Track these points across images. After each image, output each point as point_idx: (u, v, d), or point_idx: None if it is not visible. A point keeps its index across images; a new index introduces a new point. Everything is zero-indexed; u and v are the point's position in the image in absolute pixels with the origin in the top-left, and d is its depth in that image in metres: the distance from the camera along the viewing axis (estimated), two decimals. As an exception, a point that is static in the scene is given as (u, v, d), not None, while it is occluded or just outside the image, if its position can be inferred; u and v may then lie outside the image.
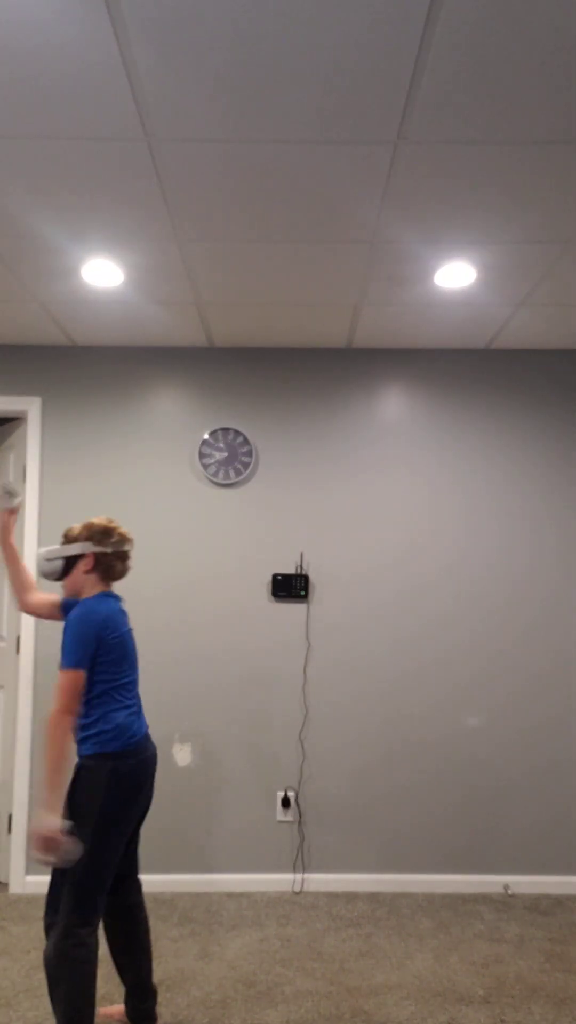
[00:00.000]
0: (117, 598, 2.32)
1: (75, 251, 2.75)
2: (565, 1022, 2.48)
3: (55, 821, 2.00)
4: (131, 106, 1.97)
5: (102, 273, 2.92)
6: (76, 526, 2.32)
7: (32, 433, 3.68)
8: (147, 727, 2.31)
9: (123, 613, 2.31)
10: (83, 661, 2.10)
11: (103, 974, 2.74)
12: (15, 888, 3.49)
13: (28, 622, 3.61)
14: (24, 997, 2.60)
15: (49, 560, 2.29)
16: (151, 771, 2.24)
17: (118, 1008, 2.45)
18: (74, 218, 2.52)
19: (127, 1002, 2.33)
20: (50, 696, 3.57)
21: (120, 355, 3.75)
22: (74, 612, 2.16)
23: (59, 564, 2.29)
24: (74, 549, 2.27)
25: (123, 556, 2.33)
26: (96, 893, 2.09)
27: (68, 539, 2.31)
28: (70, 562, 2.29)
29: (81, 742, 2.16)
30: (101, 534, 2.29)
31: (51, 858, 2.02)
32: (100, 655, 2.15)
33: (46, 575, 2.31)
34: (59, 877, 2.10)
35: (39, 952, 2.92)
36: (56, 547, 2.30)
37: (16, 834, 3.51)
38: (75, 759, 2.17)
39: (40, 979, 2.72)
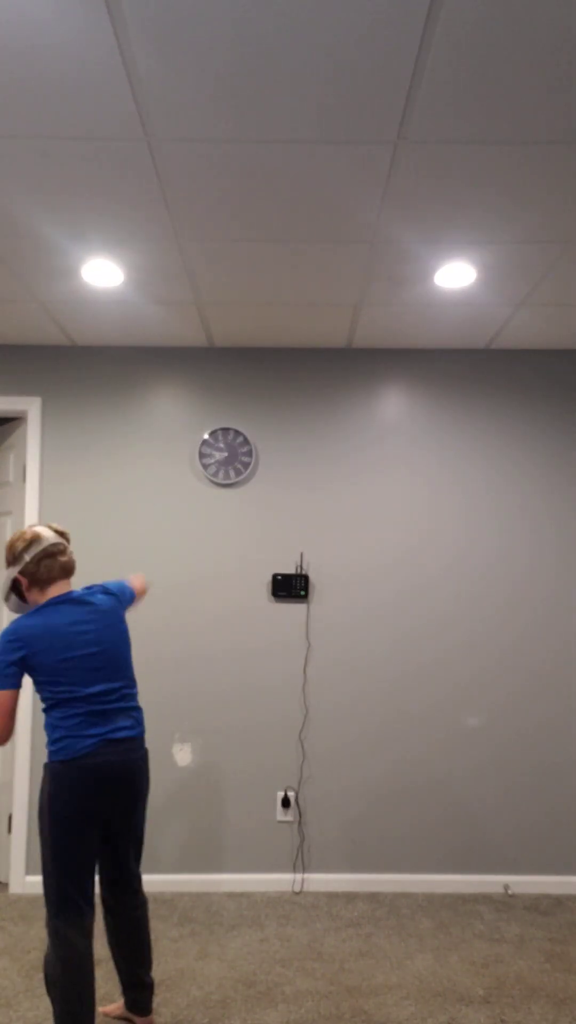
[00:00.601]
0: (68, 598, 2.22)
1: (75, 251, 2.75)
2: (565, 1022, 2.48)
3: None
4: (131, 106, 1.97)
5: (102, 273, 2.92)
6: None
7: (32, 433, 3.68)
8: (117, 732, 2.19)
9: (80, 612, 2.21)
10: (10, 684, 2.09)
11: (103, 974, 2.74)
12: (15, 888, 3.50)
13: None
14: (24, 997, 2.60)
15: (7, 600, 2.29)
16: (104, 773, 2.14)
17: (117, 1005, 2.47)
18: (74, 218, 2.52)
19: (124, 995, 2.37)
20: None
21: (120, 355, 3.75)
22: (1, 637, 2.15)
23: (15, 599, 2.28)
24: (5, 582, 2.25)
25: (48, 555, 2.21)
26: (72, 892, 2.09)
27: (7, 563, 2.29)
28: (17, 588, 2.26)
29: (46, 745, 2.20)
30: (10, 556, 2.23)
31: None
32: (39, 669, 2.13)
33: (16, 612, 2.30)
34: (42, 880, 2.15)
35: (39, 952, 2.92)
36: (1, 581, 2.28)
37: (16, 834, 3.51)
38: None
39: (40, 979, 2.72)
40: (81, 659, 2.16)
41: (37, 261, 2.83)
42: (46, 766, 2.16)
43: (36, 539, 2.21)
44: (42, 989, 2.65)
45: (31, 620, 2.15)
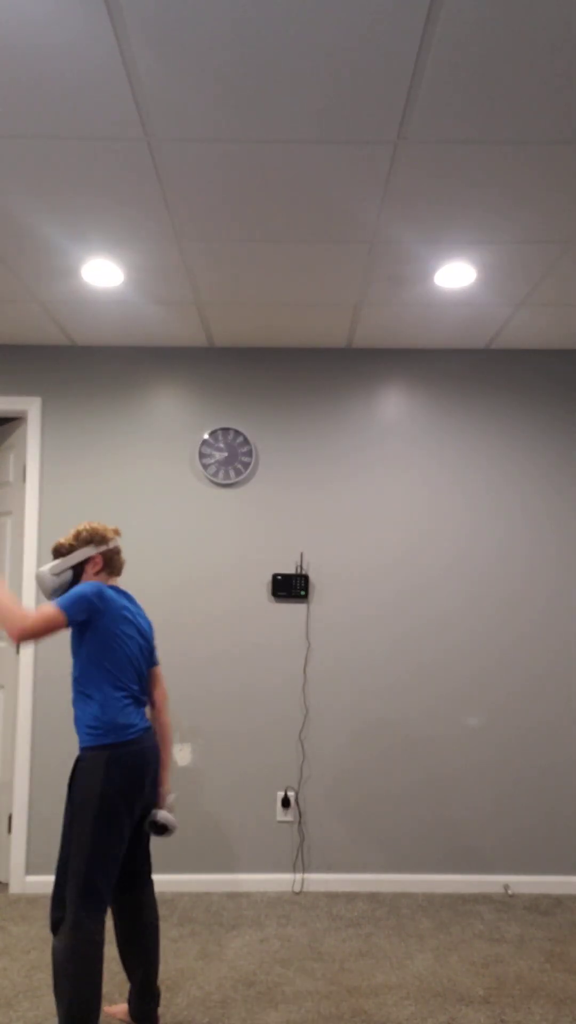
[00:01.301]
0: (126, 594, 2.40)
1: (75, 251, 2.75)
2: (565, 1022, 2.48)
3: None
4: (131, 106, 1.97)
5: (102, 273, 2.92)
6: (66, 537, 2.38)
7: (32, 433, 3.68)
8: (148, 722, 2.32)
9: (132, 608, 2.37)
10: (73, 614, 2.13)
11: (104, 974, 2.74)
12: (15, 888, 3.49)
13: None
14: (24, 997, 2.60)
15: (57, 575, 2.33)
16: (152, 762, 2.25)
17: (121, 1007, 2.45)
18: (74, 218, 2.52)
19: (130, 1000, 2.34)
20: (50, 696, 3.57)
21: (120, 355, 3.75)
22: (86, 583, 2.24)
23: (68, 575, 2.35)
24: (80, 555, 2.34)
25: (120, 550, 2.45)
26: (101, 884, 2.10)
27: (64, 551, 2.37)
28: (77, 570, 2.36)
29: (81, 732, 2.21)
30: (99, 536, 2.38)
31: None
32: (102, 636, 2.20)
33: (54, 590, 2.33)
34: (64, 872, 2.12)
35: (39, 952, 2.92)
36: (57, 562, 2.34)
37: (16, 834, 3.51)
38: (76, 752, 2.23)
39: (40, 979, 2.72)
40: (132, 641, 2.29)
41: (37, 261, 2.83)
42: (90, 752, 2.16)
43: (117, 532, 2.44)
44: (43, 989, 2.65)
45: (110, 592, 2.27)
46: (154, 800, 2.34)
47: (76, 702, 2.23)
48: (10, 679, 3.69)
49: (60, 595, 2.32)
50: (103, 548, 2.37)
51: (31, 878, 3.50)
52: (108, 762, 2.14)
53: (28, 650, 3.59)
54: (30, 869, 3.51)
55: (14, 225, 2.56)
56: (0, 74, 1.85)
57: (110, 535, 2.41)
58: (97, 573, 2.37)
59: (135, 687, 2.28)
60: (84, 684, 2.21)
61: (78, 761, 2.19)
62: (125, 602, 2.34)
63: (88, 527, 2.39)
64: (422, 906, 3.38)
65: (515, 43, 1.75)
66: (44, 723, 3.57)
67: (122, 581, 3.62)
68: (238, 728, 3.60)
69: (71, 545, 2.36)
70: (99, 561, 2.37)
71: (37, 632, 2.07)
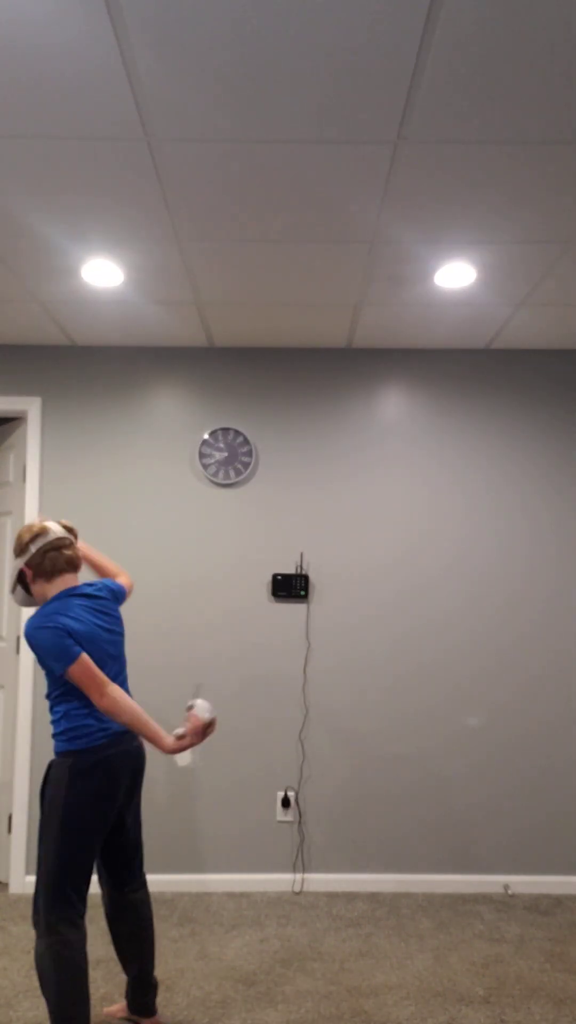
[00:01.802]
0: (80, 592, 2.25)
1: (75, 251, 2.75)
2: (565, 1022, 2.48)
3: (172, 740, 2.11)
4: (131, 106, 1.97)
5: (102, 273, 2.92)
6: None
7: (32, 433, 3.68)
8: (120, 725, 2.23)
9: (95, 601, 2.26)
10: (76, 651, 2.06)
11: (104, 974, 2.74)
12: (15, 888, 3.50)
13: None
14: (24, 997, 2.60)
15: (13, 593, 2.30)
16: (125, 767, 2.19)
17: (120, 1006, 2.46)
18: (74, 218, 2.52)
19: (128, 995, 2.35)
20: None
21: (120, 355, 3.75)
22: (30, 624, 2.11)
23: (20, 591, 2.29)
24: (12, 572, 2.27)
25: (54, 547, 2.23)
26: (70, 891, 2.09)
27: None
28: (22, 580, 2.27)
29: (54, 738, 2.19)
30: (18, 547, 2.25)
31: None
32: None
33: (23, 605, 2.32)
34: (37, 876, 2.13)
35: (39, 952, 2.92)
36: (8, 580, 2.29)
37: (16, 834, 3.51)
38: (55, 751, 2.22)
39: (40, 979, 2.72)
40: (102, 643, 2.21)
41: (37, 261, 2.83)
42: (59, 758, 2.15)
43: (43, 532, 2.23)
44: (42, 989, 2.65)
45: (58, 608, 2.15)
46: (138, 800, 2.32)
47: (50, 706, 2.21)
48: (10, 679, 3.69)
49: (29, 605, 2.31)
50: (21, 561, 2.22)
51: (31, 878, 3.50)
52: (72, 770, 2.10)
53: (28, 650, 3.59)
54: (30, 869, 3.51)
55: (14, 225, 2.56)
56: (0, 74, 1.85)
57: (27, 542, 2.22)
58: (34, 583, 2.23)
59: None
60: (56, 687, 2.17)
61: (49, 766, 2.18)
62: (74, 605, 2.19)
63: (17, 535, 2.25)
64: (422, 906, 3.38)
65: (515, 43, 1.75)
66: (44, 723, 3.57)
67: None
68: (238, 728, 3.60)
69: (14, 553, 2.27)
70: (28, 572, 2.23)
71: (98, 686, 2.04)
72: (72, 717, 2.15)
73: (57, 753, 2.17)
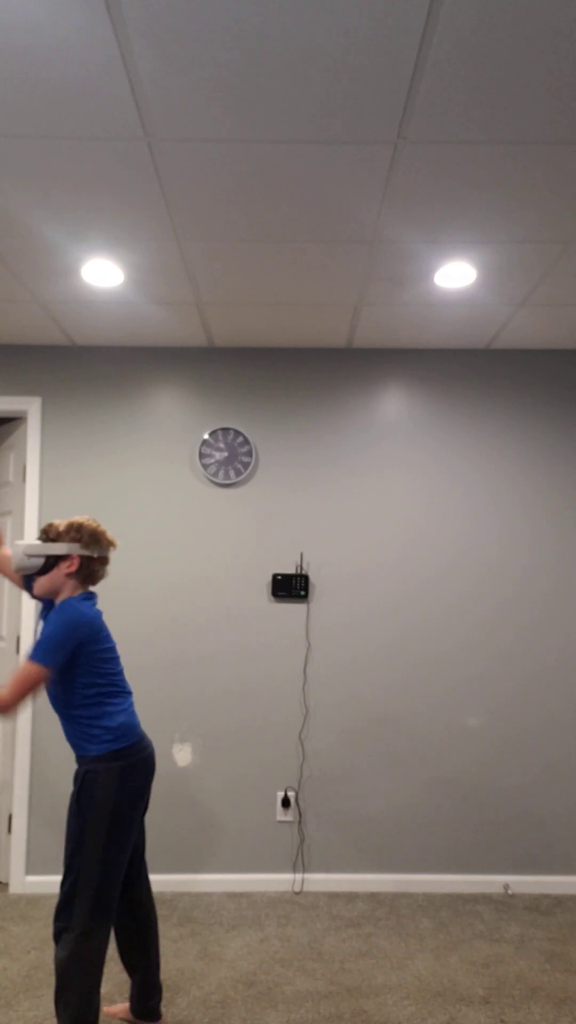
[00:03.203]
0: (92, 597, 2.27)
1: (75, 251, 2.75)
2: (565, 1022, 2.48)
3: None
4: (131, 106, 1.97)
5: (102, 273, 2.92)
6: (59, 523, 2.22)
7: (32, 433, 3.68)
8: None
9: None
10: (57, 662, 2.03)
11: (104, 974, 2.74)
12: (15, 888, 3.49)
13: (28, 622, 3.61)
14: (24, 997, 2.60)
15: (30, 556, 2.18)
16: (153, 767, 2.25)
17: (122, 1006, 2.46)
18: (74, 218, 2.52)
19: (132, 999, 2.35)
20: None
21: (120, 355, 3.75)
22: (60, 612, 2.08)
23: (39, 562, 2.19)
24: (60, 549, 2.18)
25: (105, 561, 2.27)
26: (111, 895, 2.10)
27: (50, 536, 2.20)
28: (50, 561, 2.19)
29: (87, 743, 2.12)
30: (90, 538, 2.21)
31: None
32: (92, 657, 2.10)
33: (22, 569, 2.19)
34: (72, 882, 2.07)
35: (39, 952, 2.92)
36: (38, 543, 2.18)
37: (16, 834, 3.51)
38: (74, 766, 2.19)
39: (40, 979, 2.72)
40: (114, 651, 2.23)
41: (37, 261, 2.83)
42: (100, 763, 2.09)
43: (112, 543, 2.27)
44: (42, 989, 2.65)
45: (89, 608, 2.15)
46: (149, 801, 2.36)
47: (78, 712, 2.13)
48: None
49: (24, 573, 2.21)
50: (85, 553, 2.19)
51: (31, 878, 3.50)
52: (123, 771, 2.10)
53: (28, 650, 3.59)
54: (30, 869, 3.51)
55: (14, 225, 2.56)
56: (0, 74, 1.85)
57: (103, 543, 2.23)
58: (68, 575, 2.19)
59: (127, 691, 2.25)
60: (88, 692, 2.12)
61: (87, 772, 2.10)
62: (96, 611, 2.19)
63: (85, 525, 2.21)
64: (422, 906, 3.38)
65: (515, 43, 1.75)
66: (44, 723, 3.57)
67: (122, 580, 3.62)
68: (238, 728, 3.60)
69: (58, 534, 2.20)
70: (75, 563, 2.18)
71: (22, 702, 1.98)
72: (112, 716, 2.13)
73: (95, 757, 2.10)
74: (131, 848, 2.17)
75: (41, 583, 2.21)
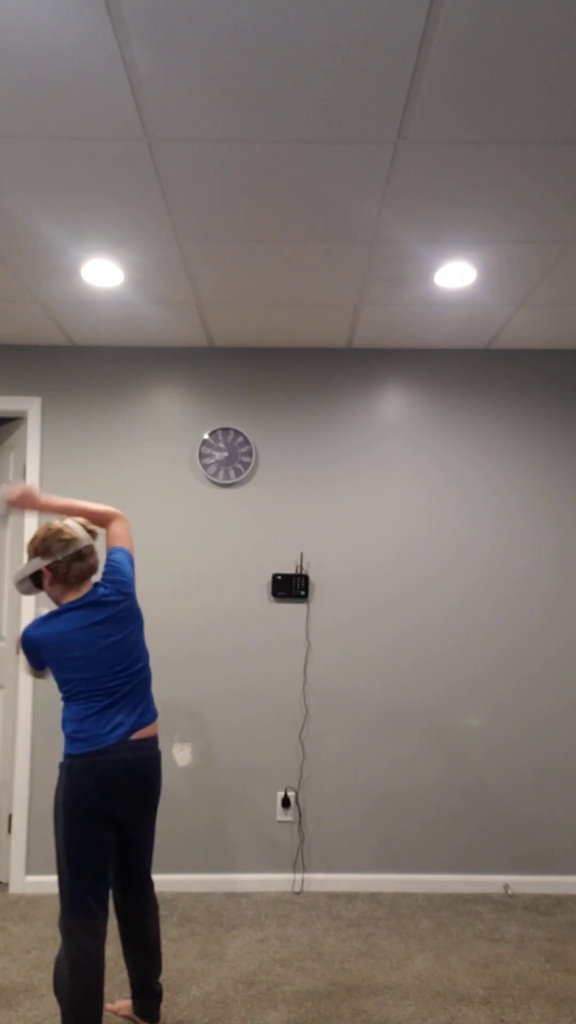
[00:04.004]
0: (83, 603, 2.22)
1: (75, 251, 2.75)
2: (565, 1022, 2.48)
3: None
4: (131, 106, 1.97)
5: (102, 273, 2.92)
6: (35, 536, 2.26)
7: (32, 433, 3.68)
8: (129, 728, 2.20)
9: (93, 610, 2.22)
10: (33, 663, 2.30)
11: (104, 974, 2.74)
12: (15, 888, 3.49)
13: (28, 622, 3.61)
14: (24, 997, 2.60)
15: (18, 583, 2.27)
16: (120, 771, 2.14)
17: (125, 1004, 2.47)
18: (74, 218, 2.52)
19: (134, 1000, 2.35)
20: (50, 696, 3.57)
21: (120, 355, 3.75)
22: (25, 631, 2.27)
23: (28, 583, 2.26)
24: (30, 568, 2.24)
25: (78, 557, 2.22)
26: (84, 894, 2.08)
27: (29, 554, 2.28)
28: (36, 578, 2.26)
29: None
30: (42, 546, 2.22)
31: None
32: (53, 670, 2.25)
33: (26, 594, 2.32)
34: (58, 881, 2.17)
35: (39, 952, 2.92)
36: (19, 568, 2.28)
37: (16, 834, 3.51)
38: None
39: (40, 979, 2.72)
40: (100, 653, 2.20)
41: (37, 261, 2.83)
42: (63, 762, 2.18)
43: (73, 540, 2.23)
44: (43, 989, 2.65)
45: (43, 629, 2.21)
46: (148, 809, 2.26)
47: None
48: (10, 679, 3.68)
49: (32, 594, 2.35)
50: (47, 563, 2.21)
51: (31, 878, 3.50)
52: (68, 773, 2.13)
53: (28, 650, 3.59)
54: (30, 869, 3.51)
55: (14, 225, 2.56)
56: (0, 74, 1.85)
57: (56, 546, 2.20)
58: (52, 584, 2.24)
59: (108, 696, 2.19)
60: (61, 691, 2.25)
61: (58, 768, 2.22)
62: (71, 626, 2.18)
63: (37, 537, 2.23)
64: (422, 906, 3.38)
65: (515, 43, 1.75)
66: (44, 723, 3.57)
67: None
68: (238, 728, 3.60)
69: (31, 551, 2.26)
70: (48, 575, 2.23)
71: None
72: (69, 722, 2.19)
73: (64, 755, 2.21)
74: (103, 851, 2.11)
75: (48, 597, 2.33)
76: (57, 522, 2.26)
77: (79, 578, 2.24)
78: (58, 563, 2.21)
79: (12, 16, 1.67)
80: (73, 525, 2.27)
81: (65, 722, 2.20)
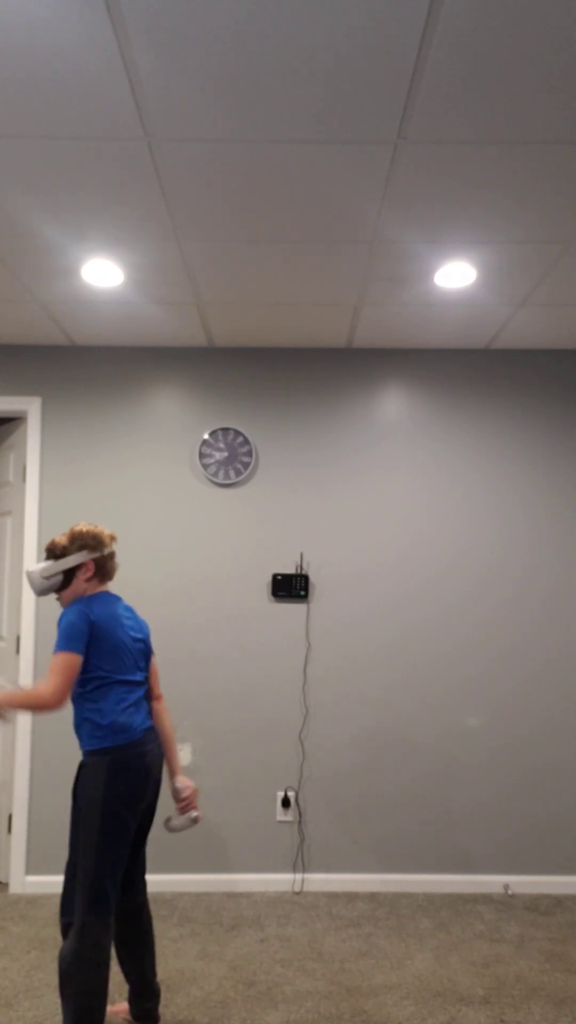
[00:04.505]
0: (116, 598, 2.36)
1: (75, 251, 2.75)
2: (565, 1022, 2.48)
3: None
4: (131, 106, 1.97)
5: (102, 273, 2.92)
6: (61, 538, 2.33)
7: (32, 433, 3.68)
8: (150, 723, 2.30)
9: (127, 611, 2.36)
10: (80, 648, 2.13)
11: (103, 974, 2.74)
12: (15, 888, 3.49)
13: (28, 622, 3.61)
14: (24, 997, 2.60)
15: (47, 578, 2.29)
16: (153, 765, 2.23)
17: (123, 1006, 2.46)
18: (74, 218, 2.52)
19: (131, 1000, 2.34)
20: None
21: (120, 355, 3.75)
22: (71, 608, 2.20)
23: (59, 579, 2.30)
24: (73, 560, 2.29)
25: (113, 555, 2.39)
26: (109, 889, 2.10)
27: (57, 552, 2.31)
28: (68, 574, 2.30)
29: (83, 735, 2.19)
30: (94, 540, 2.32)
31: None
32: (92, 650, 2.18)
33: (44, 592, 2.31)
34: (72, 876, 2.12)
35: (39, 952, 2.92)
36: (49, 563, 2.29)
37: (16, 834, 3.51)
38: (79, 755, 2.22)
39: (40, 979, 2.72)
40: (129, 643, 2.27)
41: (37, 261, 2.83)
42: (93, 757, 2.15)
43: (113, 537, 2.39)
44: (43, 989, 2.65)
45: (95, 607, 2.23)
46: (155, 803, 2.34)
47: (76, 704, 2.22)
48: (10, 679, 3.68)
49: (46, 594, 2.36)
50: (97, 554, 2.31)
51: (31, 878, 3.50)
52: (110, 767, 2.12)
53: (28, 650, 3.59)
54: (30, 869, 3.51)
55: (14, 225, 2.56)
56: (0, 74, 1.85)
57: (106, 540, 2.35)
58: (88, 580, 2.31)
59: (136, 689, 2.27)
60: (85, 686, 2.19)
61: (81, 766, 2.18)
62: (115, 609, 2.30)
63: (85, 530, 2.33)
64: (422, 906, 3.38)
65: (515, 43, 1.75)
66: (44, 723, 3.57)
67: (122, 580, 3.63)
68: (238, 728, 3.60)
69: (64, 548, 2.31)
70: (91, 567, 2.31)
71: (65, 689, 2.06)
72: (106, 713, 2.17)
73: (89, 751, 2.16)
74: (129, 845, 2.16)
75: (65, 596, 2.33)
76: (92, 524, 2.39)
77: (110, 577, 2.38)
78: (104, 557, 2.33)
79: (12, 16, 1.67)
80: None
81: (101, 712, 2.16)
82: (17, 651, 3.66)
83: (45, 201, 2.41)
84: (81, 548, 2.31)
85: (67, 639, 2.12)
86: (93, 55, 1.79)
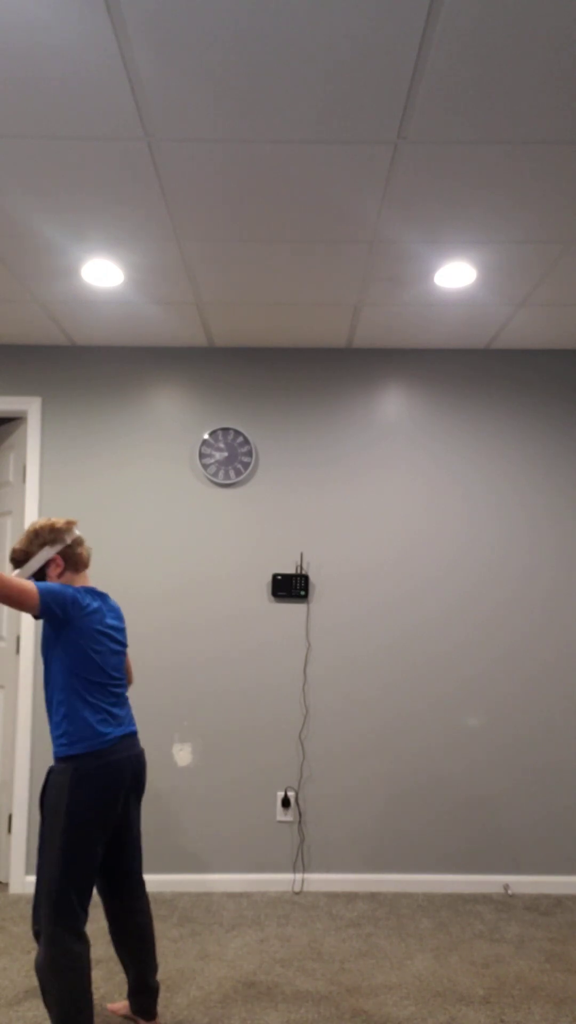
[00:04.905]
0: (103, 594, 2.30)
1: (75, 251, 2.75)
2: (565, 1022, 2.48)
3: None
4: (131, 106, 1.97)
5: (102, 273, 2.92)
6: (19, 543, 2.25)
7: (32, 433, 3.68)
8: (129, 728, 2.24)
9: (112, 611, 2.29)
10: (46, 601, 2.03)
11: (104, 974, 2.74)
12: (15, 888, 3.50)
13: (28, 622, 3.61)
14: (24, 997, 2.60)
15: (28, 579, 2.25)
16: (126, 772, 2.16)
17: (123, 1004, 2.46)
18: (74, 218, 2.52)
19: (129, 996, 2.35)
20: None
21: (120, 355, 3.75)
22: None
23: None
24: (38, 562, 2.22)
25: (80, 541, 2.30)
26: (74, 899, 2.05)
27: (20, 559, 2.24)
28: (38, 576, 2.24)
29: (54, 741, 2.14)
30: (52, 533, 2.24)
31: None
32: (68, 650, 2.11)
33: None
34: (37, 885, 2.07)
35: (39, 952, 2.92)
36: (22, 568, 2.22)
37: (16, 834, 3.51)
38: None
39: (40, 979, 2.72)
40: (107, 648, 2.21)
41: (37, 261, 2.83)
42: (59, 764, 2.10)
43: (70, 523, 2.28)
44: (42, 989, 2.65)
45: (82, 591, 2.18)
46: (138, 808, 2.29)
47: (48, 708, 2.16)
48: (10, 679, 3.69)
49: None
50: (60, 547, 2.23)
51: (31, 878, 3.50)
52: (74, 776, 2.06)
53: (28, 650, 3.59)
54: (30, 869, 3.51)
55: (14, 225, 2.56)
56: (0, 74, 1.85)
57: (65, 529, 2.25)
58: (60, 575, 2.24)
59: (111, 695, 2.20)
60: (56, 690, 2.13)
61: (49, 772, 2.13)
62: (98, 603, 2.23)
63: (40, 526, 2.24)
64: (422, 906, 3.38)
65: (515, 43, 1.75)
66: (44, 723, 3.57)
67: (122, 580, 3.63)
68: (238, 728, 3.60)
69: (26, 552, 2.23)
70: (59, 561, 2.23)
71: (9, 592, 1.95)
72: (73, 719, 2.11)
73: (57, 758, 2.12)
74: (98, 855, 2.10)
75: None
76: (44, 518, 2.30)
77: (86, 563, 2.30)
78: (68, 547, 2.25)
79: (12, 16, 1.67)
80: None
81: (70, 719, 2.10)
82: (17, 651, 3.66)
83: (45, 201, 2.41)
84: (42, 545, 2.23)
85: (47, 589, 2.04)
86: (93, 55, 1.79)
